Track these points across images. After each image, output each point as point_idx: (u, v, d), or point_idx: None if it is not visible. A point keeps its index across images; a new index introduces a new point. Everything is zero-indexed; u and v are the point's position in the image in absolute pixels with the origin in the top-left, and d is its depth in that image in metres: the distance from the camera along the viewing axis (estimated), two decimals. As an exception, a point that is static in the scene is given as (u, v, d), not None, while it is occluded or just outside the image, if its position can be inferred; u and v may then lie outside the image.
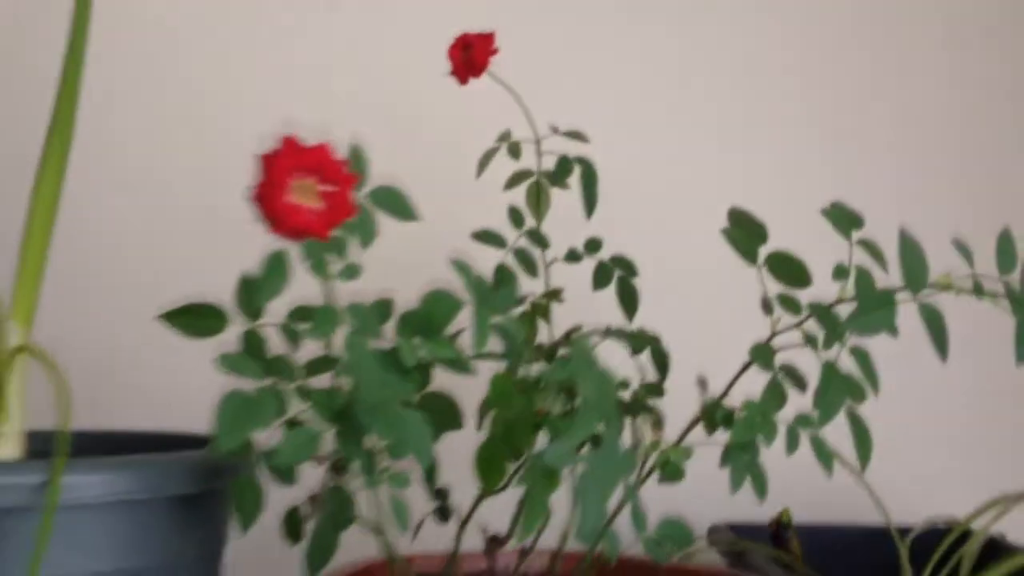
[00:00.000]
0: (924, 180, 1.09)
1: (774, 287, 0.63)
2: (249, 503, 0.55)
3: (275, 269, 0.49)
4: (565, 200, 0.71)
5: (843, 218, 0.64)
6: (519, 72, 0.68)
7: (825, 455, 0.62)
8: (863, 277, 0.61)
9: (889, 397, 0.63)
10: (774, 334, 0.64)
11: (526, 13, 1.04)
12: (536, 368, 0.60)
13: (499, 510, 0.65)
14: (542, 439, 0.57)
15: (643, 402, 0.66)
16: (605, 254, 0.72)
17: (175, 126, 0.99)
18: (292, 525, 0.59)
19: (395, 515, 0.51)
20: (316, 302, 0.56)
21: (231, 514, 0.64)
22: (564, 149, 0.71)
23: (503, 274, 0.66)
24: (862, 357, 0.61)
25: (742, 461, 0.62)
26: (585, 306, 0.71)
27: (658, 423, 0.66)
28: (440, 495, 0.63)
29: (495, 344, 0.57)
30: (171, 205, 0.98)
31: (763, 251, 0.63)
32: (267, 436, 0.54)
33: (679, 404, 0.66)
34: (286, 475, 0.56)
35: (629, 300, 0.71)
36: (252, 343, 0.55)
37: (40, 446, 0.62)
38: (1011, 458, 1.05)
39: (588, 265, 0.72)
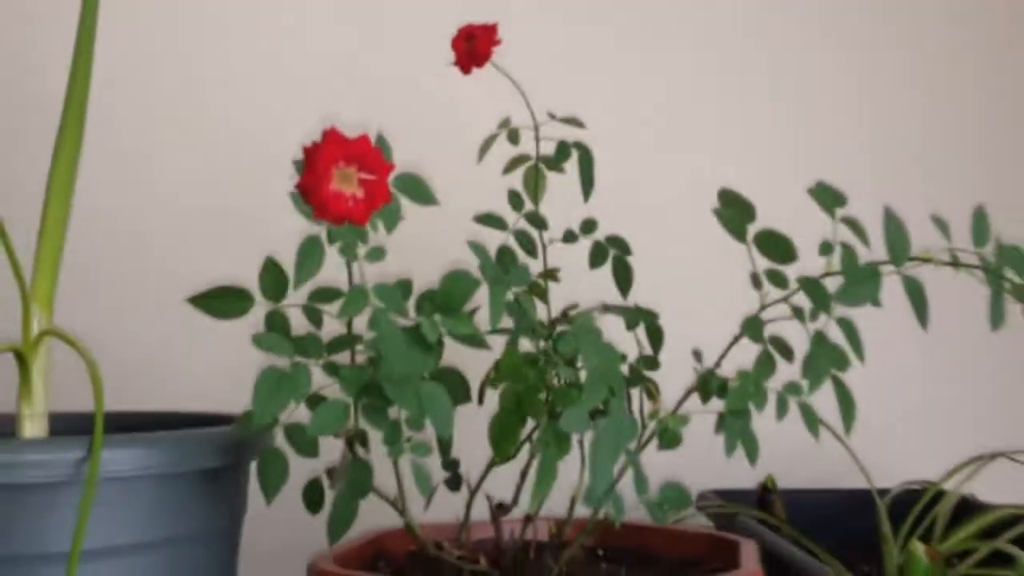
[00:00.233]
0: (902, 163, 1.13)
1: (762, 263, 0.67)
2: (274, 474, 0.58)
3: (311, 252, 0.52)
4: (561, 183, 0.74)
5: (827, 196, 0.67)
6: (517, 62, 0.70)
7: (812, 420, 0.66)
8: (848, 252, 0.64)
9: (869, 366, 0.67)
10: (763, 307, 0.67)
11: (524, 7, 1.07)
12: (538, 344, 0.63)
13: (501, 482, 0.68)
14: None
15: (640, 374, 0.69)
16: (600, 235, 0.75)
17: (192, 116, 1.02)
18: (313, 495, 0.62)
19: (417, 481, 0.54)
20: (328, 284, 0.59)
21: (247, 487, 0.67)
22: (561, 135, 0.73)
23: (506, 255, 0.69)
24: (848, 327, 0.64)
25: (736, 428, 0.65)
26: (576, 284, 0.74)
27: (655, 393, 0.70)
28: (451, 465, 0.66)
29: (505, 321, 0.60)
30: (185, 196, 1.01)
31: (752, 229, 0.66)
32: (287, 413, 0.57)
33: (673, 376, 0.69)
34: (308, 448, 0.59)
35: (624, 278, 0.74)
36: (276, 323, 0.58)
37: (60, 427, 0.65)
38: (981, 423, 1.11)
39: (583, 245, 0.75)
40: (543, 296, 0.74)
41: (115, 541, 0.55)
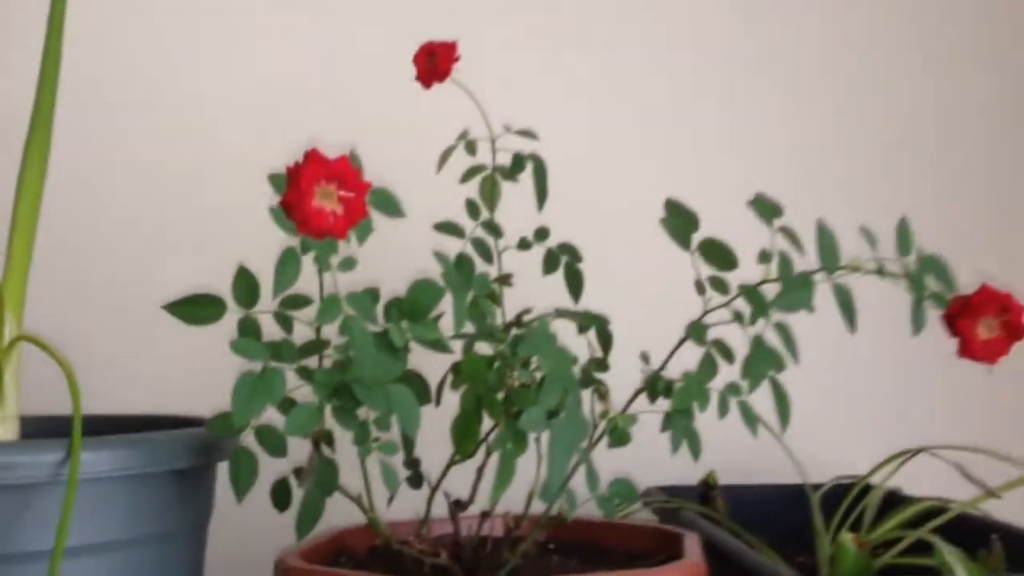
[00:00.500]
0: (835, 176, 1.20)
1: (705, 270, 0.71)
2: (246, 474, 0.60)
3: (288, 264, 0.55)
4: (515, 193, 0.78)
5: (766, 207, 0.72)
6: (475, 77, 0.74)
7: (751, 418, 0.70)
8: (785, 261, 0.69)
9: (804, 368, 0.72)
10: (706, 312, 0.71)
11: (480, 22, 1.10)
12: (493, 347, 0.66)
13: (459, 480, 0.71)
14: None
15: (591, 375, 0.73)
16: (553, 242, 0.78)
17: (164, 126, 1.03)
18: (281, 494, 0.64)
19: (385, 479, 0.57)
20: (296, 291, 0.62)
21: (215, 486, 0.69)
22: (516, 146, 0.77)
23: (464, 262, 0.72)
24: (784, 332, 0.69)
25: (680, 426, 0.69)
26: (530, 290, 0.78)
27: (605, 394, 0.73)
28: (413, 464, 0.69)
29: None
30: (154, 203, 1.02)
31: (696, 238, 0.70)
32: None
33: (621, 377, 0.73)
34: (278, 448, 0.61)
35: (575, 283, 0.78)
36: (249, 329, 0.60)
37: (29, 430, 0.66)
38: (905, 420, 1.17)
39: (537, 252, 0.79)
40: (498, 301, 0.77)
41: (91, 540, 0.57)
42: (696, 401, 0.69)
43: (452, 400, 0.66)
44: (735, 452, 0.90)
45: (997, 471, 0.78)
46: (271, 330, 0.63)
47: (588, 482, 0.65)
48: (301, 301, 0.61)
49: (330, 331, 0.60)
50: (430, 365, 0.67)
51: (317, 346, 0.59)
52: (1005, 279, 0.66)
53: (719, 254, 0.70)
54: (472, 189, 0.77)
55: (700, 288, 0.71)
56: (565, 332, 0.71)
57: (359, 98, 1.08)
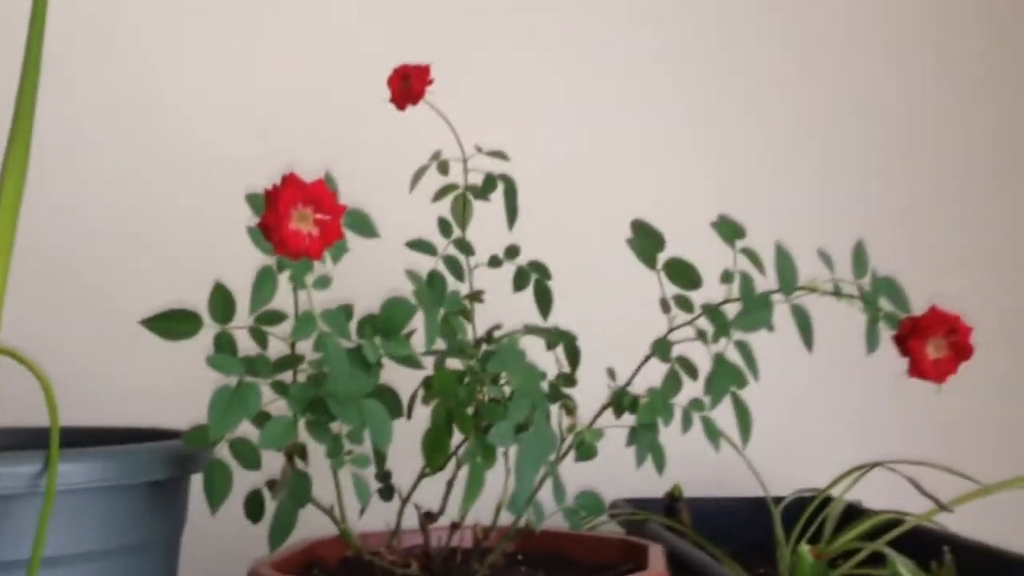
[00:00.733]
0: (795, 197, 1.23)
1: (671, 289, 0.73)
2: (220, 485, 0.61)
3: (265, 282, 0.56)
4: (487, 212, 0.80)
5: (728, 229, 0.74)
6: (450, 99, 0.76)
7: (714, 433, 0.72)
8: (746, 281, 0.71)
9: (766, 385, 0.74)
10: (671, 330, 0.73)
11: (448, 44, 1.13)
12: (464, 363, 0.68)
13: (429, 493, 0.73)
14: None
15: (559, 391, 0.75)
16: (523, 260, 0.80)
17: (140, 141, 1.04)
18: (254, 506, 0.66)
19: (357, 491, 0.59)
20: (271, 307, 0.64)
21: (188, 498, 0.70)
22: (488, 167, 0.79)
23: (436, 279, 0.73)
24: (744, 349, 0.71)
25: (646, 440, 0.71)
26: (500, 307, 0.79)
27: (572, 409, 0.75)
28: (385, 476, 0.71)
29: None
30: (130, 217, 1.04)
31: (661, 257, 0.72)
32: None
33: (588, 393, 0.75)
34: (252, 461, 0.63)
35: (544, 300, 0.80)
36: (225, 344, 0.62)
37: (8, 442, 0.68)
38: (864, 436, 1.20)
39: (507, 270, 0.80)
40: (469, 317, 0.79)
41: (68, 550, 0.58)
42: (660, 416, 0.71)
43: (423, 414, 0.68)
44: (700, 466, 0.92)
45: (953, 485, 0.80)
46: (247, 345, 0.65)
47: (555, 495, 0.67)
48: (276, 317, 0.63)
49: (304, 347, 0.62)
50: (402, 380, 0.69)
51: (292, 361, 0.61)
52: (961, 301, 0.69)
53: (684, 274, 0.73)
54: (444, 208, 0.79)
55: (665, 306, 0.73)
56: (534, 348, 0.73)
57: (337, 106, 1.09)
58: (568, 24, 1.18)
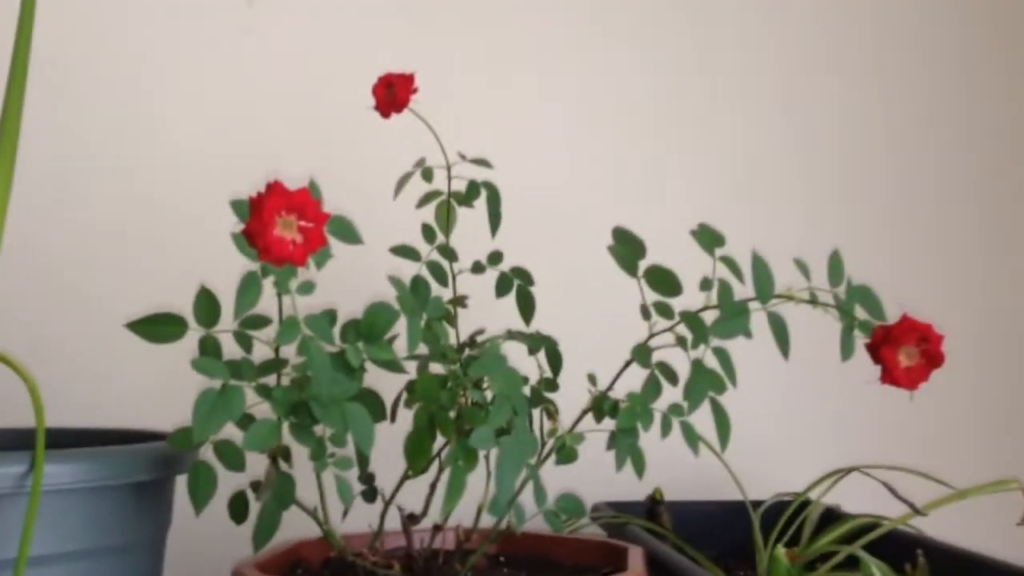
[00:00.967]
0: (776, 207, 1.24)
1: (651, 296, 0.74)
2: (205, 487, 0.62)
3: (250, 287, 0.57)
4: (470, 218, 0.81)
5: (708, 237, 0.75)
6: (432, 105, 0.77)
7: (693, 438, 0.73)
8: (724, 289, 0.72)
9: (744, 390, 0.75)
10: (651, 336, 0.74)
11: (431, 55, 1.14)
12: (446, 368, 0.69)
13: (412, 495, 0.74)
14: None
15: (541, 395, 0.76)
16: (506, 266, 0.81)
17: (128, 146, 1.05)
18: (238, 507, 0.67)
19: (340, 493, 0.60)
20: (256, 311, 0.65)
21: (173, 499, 0.71)
22: (471, 174, 0.80)
23: (420, 285, 0.74)
24: (723, 356, 0.72)
25: (625, 444, 0.72)
26: (483, 312, 0.80)
27: (553, 413, 0.76)
28: (368, 479, 0.72)
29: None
30: (117, 221, 1.04)
31: (642, 265, 0.73)
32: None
33: (570, 397, 0.76)
34: (237, 463, 0.64)
35: (527, 306, 0.81)
36: (209, 347, 0.62)
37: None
38: (841, 441, 1.22)
39: (490, 276, 0.81)
40: (452, 322, 0.80)
41: (53, 550, 0.59)
42: (640, 421, 0.72)
43: (406, 418, 0.69)
44: (680, 470, 0.93)
45: (928, 489, 0.82)
46: (231, 349, 0.66)
47: (536, 497, 0.68)
48: (261, 321, 0.64)
49: (288, 351, 0.63)
50: (386, 384, 0.70)
51: (276, 365, 0.62)
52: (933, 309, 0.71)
53: (664, 281, 0.74)
54: (428, 214, 0.80)
55: (645, 313, 0.75)
56: (516, 353, 0.74)
57: (322, 110, 1.10)
58: (550, 33, 1.20)
